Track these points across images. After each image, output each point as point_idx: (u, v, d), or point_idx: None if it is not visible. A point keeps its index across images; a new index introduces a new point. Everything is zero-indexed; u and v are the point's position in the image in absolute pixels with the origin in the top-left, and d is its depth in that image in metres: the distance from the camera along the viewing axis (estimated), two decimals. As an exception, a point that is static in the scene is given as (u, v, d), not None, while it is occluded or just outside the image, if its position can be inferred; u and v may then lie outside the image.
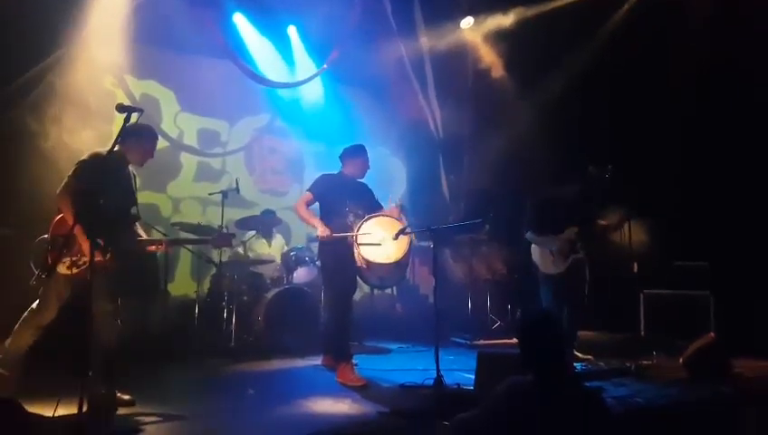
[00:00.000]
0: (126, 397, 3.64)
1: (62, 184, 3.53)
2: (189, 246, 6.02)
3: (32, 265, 3.54)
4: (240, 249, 6.25)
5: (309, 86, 7.64)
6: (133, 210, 3.85)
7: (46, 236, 3.61)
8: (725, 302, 5.31)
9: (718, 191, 5.75)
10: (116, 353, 3.64)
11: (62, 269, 3.49)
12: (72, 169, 3.56)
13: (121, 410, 3.54)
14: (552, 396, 2.25)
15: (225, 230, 4.33)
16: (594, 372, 4.67)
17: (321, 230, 4.52)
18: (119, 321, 3.67)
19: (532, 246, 5.25)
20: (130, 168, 3.86)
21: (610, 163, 4.97)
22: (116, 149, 3.52)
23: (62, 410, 2.99)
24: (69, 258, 3.48)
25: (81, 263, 3.48)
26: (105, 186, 3.46)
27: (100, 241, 3.40)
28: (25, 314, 3.59)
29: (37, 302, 3.57)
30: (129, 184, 3.80)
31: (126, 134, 3.55)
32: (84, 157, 3.59)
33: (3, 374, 3.53)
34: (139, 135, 3.70)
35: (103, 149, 3.64)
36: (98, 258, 3.38)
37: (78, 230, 3.41)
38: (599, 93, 6.60)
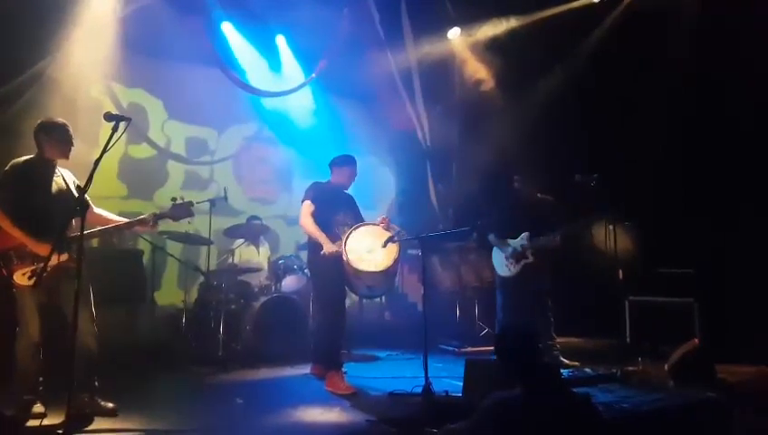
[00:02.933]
0: (109, 405, 3.62)
1: None
2: (177, 256, 6.04)
3: None
4: (228, 257, 6.23)
5: (297, 95, 7.67)
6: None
7: None
8: (709, 309, 5.38)
9: (702, 199, 5.84)
10: (95, 359, 3.61)
11: (23, 281, 3.43)
12: None
13: (108, 420, 3.51)
14: (540, 406, 2.28)
15: (180, 200, 3.89)
16: (580, 378, 4.70)
17: (328, 247, 4.49)
18: (95, 326, 3.64)
19: (494, 249, 5.46)
20: (60, 169, 3.79)
21: (596, 172, 5.05)
22: (36, 153, 3.62)
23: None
24: (28, 268, 3.43)
25: (40, 269, 3.33)
26: (33, 189, 3.51)
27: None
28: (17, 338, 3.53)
29: (19, 321, 3.51)
30: (59, 183, 3.72)
31: (36, 135, 3.64)
32: (6, 168, 3.58)
33: (29, 399, 3.49)
34: (45, 131, 3.66)
35: (23, 157, 3.65)
36: (55, 260, 3.36)
37: (23, 238, 3.42)
38: (585, 102, 6.69)
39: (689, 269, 5.61)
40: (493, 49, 7.54)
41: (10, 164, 3.60)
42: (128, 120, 3.57)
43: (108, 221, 3.86)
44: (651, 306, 5.59)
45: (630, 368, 4.89)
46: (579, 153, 6.36)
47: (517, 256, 5.30)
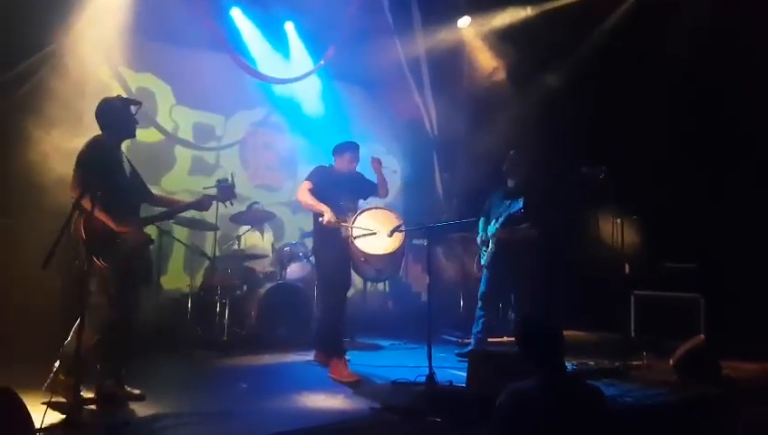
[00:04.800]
0: (136, 391, 3.61)
1: (71, 178, 3.47)
2: (183, 239, 6.06)
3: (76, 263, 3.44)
4: (234, 243, 6.25)
5: (305, 82, 7.61)
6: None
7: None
8: (715, 304, 5.37)
9: (709, 194, 5.80)
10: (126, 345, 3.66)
11: (105, 262, 3.38)
12: (75, 160, 3.50)
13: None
14: (557, 397, 2.29)
15: (227, 181, 3.97)
16: (584, 371, 4.71)
17: (329, 216, 4.46)
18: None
19: None
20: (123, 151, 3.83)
21: (604, 164, 5.01)
22: (102, 133, 3.59)
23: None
24: (109, 249, 3.40)
25: (122, 251, 3.44)
26: (109, 169, 3.52)
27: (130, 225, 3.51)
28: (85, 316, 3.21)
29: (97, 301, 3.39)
30: (127, 165, 3.79)
31: (101, 116, 3.63)
32: (85, 148, 3.53)
33: (66, 381, 3.27)
34: (111, 111, 3.65)
35: (98, 137, 3.63)
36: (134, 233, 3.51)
37: (108, 220, 3.41)
38: (593, 93, 6.64)
39: (695, 264, 5.60)
40: (503, 38, 7.49)
41: (90, 144, 3.53)
42: (138, 104, 3.59)
43: (169, 203, 4.04)
44: (657, 301, 5.59)
45: (635, 362, 4.90)
46: (587, 145, 6.32)
47: (485, 242, 5.37)
